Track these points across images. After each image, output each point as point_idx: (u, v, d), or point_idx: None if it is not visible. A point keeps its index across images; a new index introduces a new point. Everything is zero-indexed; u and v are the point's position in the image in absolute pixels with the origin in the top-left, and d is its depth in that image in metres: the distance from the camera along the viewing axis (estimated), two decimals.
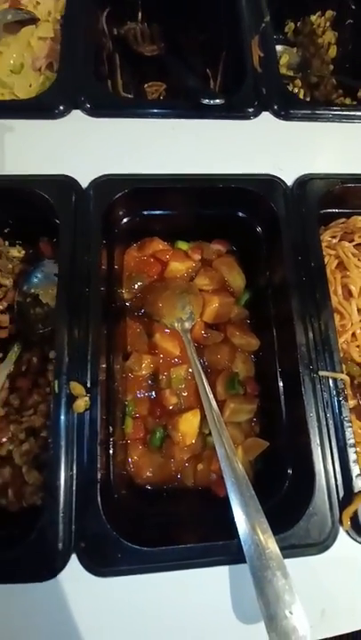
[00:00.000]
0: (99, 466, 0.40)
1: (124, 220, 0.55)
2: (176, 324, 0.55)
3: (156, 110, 0.57)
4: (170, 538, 0.43)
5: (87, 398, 0.42)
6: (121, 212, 0.54)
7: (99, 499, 0.39)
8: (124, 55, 0.81)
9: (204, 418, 0.54)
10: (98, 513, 0.39)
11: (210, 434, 0.55)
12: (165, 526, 0.46)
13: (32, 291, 0.60)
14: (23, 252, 0.62)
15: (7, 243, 0.61)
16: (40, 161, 0.53)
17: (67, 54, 0.58)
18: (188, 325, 0.55)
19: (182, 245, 0.64)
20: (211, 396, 0.49)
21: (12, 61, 0.65)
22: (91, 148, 0.54)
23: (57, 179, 0.51)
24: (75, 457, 0.41)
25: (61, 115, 0.56)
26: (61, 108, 0.55)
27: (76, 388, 0.42)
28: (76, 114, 0.56)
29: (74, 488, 0.40)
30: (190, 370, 0.57)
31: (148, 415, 0.56)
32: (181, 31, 0.84)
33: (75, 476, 0.40)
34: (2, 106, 0.58)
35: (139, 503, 0.49)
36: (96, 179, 0.52)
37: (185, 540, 0.43)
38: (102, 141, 0.55)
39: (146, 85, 0.82)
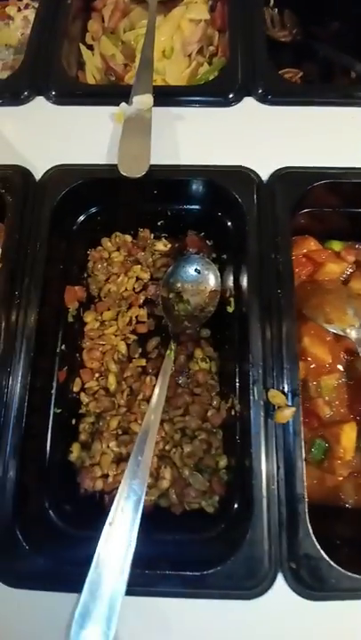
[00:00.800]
0: (305, 481, 0.37)
1: (296, 215, 0.52)
2: (348, 332, 0.51)
3: (334, 97, 0.53)
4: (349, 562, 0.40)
5: (293, 409, 0.39)
6: (300, 208, 0.50)
7: (307, 516, 0.37)
8: None
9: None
10: (307, 532, 0.36)
11: None
12: (341, 548, 0.43)
13: (177, 285, 0.58)
14: (169, 245, 0.60)
15: (153, 235, 0.60)
16: (211, 151, 0.50)
17: (234, 39, 0.55)
18: (359, 334, 0.51)
19: (336, 245, 0.59)
20: None
21: (162, 45, 0.62)
22: (264, 138, 0.51)
23: (235, 170, 0.48)
24: (276, 469, 0.38)
25: (232, 102, 0.53)
26: (232, 95, 0.52)
27: (277, 396, 0.39)
28: (248, 101, 0.53)
29: (277, 503, 0.37)
30: (341, 380, 0.54)
31: (302, 425, 0.53)
32: (313, 18, 0.80)
33: (277, 490, 0.38)
34: (170, 92, 0.56)
35: None
36: (276, 171, 0.48)
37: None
38: (276, 130, 0.51)
39: (280, 72, 0.78)
